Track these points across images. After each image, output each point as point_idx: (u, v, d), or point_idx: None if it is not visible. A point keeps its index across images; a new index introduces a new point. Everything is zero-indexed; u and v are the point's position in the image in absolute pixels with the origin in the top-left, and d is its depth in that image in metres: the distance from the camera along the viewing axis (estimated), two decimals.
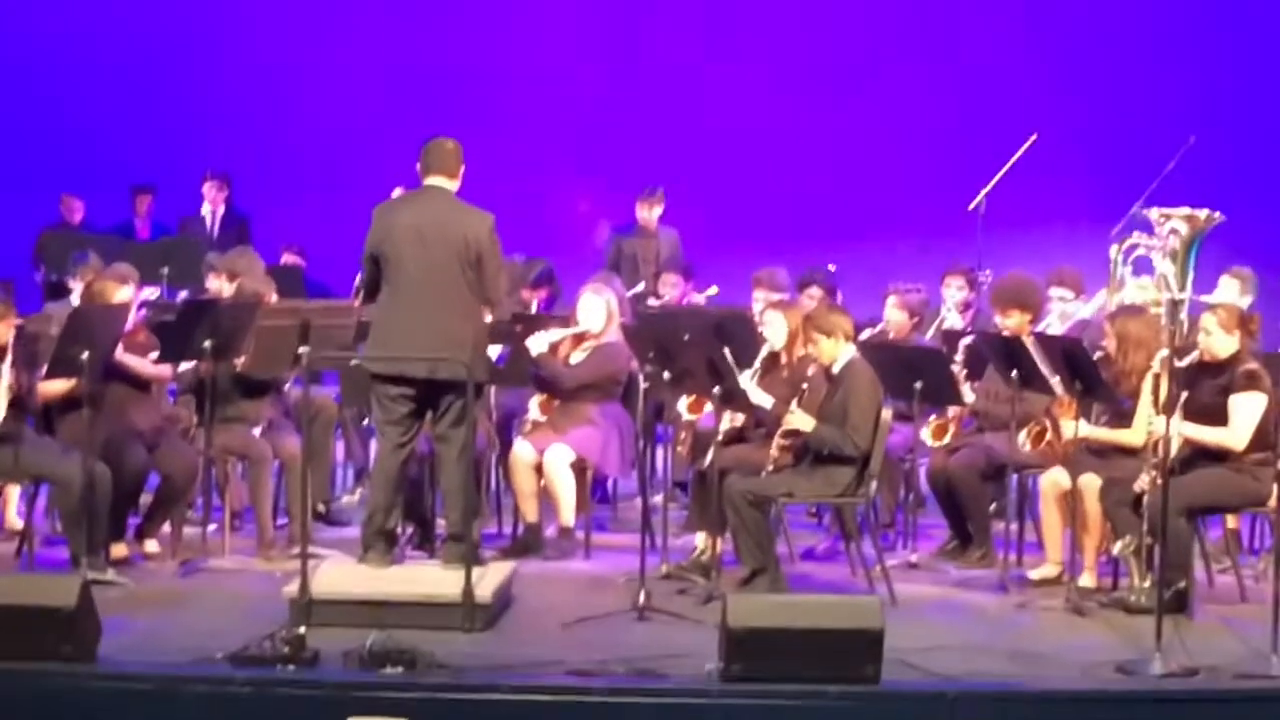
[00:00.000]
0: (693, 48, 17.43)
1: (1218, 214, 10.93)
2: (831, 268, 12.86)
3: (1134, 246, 10.90)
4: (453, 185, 9.32)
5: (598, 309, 10.86)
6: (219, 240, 15.39)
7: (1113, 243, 10.83)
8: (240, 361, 10.31)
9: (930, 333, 11.76)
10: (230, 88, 17.27)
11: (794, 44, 17.30)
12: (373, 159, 14.74)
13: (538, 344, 10.67)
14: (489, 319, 9.58)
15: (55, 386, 9.64)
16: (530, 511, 10.63)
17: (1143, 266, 11.01)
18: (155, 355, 10.14)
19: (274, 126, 17.19)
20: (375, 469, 9.64)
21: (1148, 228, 10.21)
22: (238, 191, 16.28)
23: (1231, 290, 11.21)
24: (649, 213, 14.77)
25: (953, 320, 11.94)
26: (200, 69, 17.40)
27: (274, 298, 11.00)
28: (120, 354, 9.88)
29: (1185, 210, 10.94)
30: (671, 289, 13.39)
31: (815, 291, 12.21)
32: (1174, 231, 10.69)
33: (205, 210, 16.10)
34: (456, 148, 9.37)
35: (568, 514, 10.56)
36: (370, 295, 9.39)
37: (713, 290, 13.10)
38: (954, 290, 12.21)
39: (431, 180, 9.31)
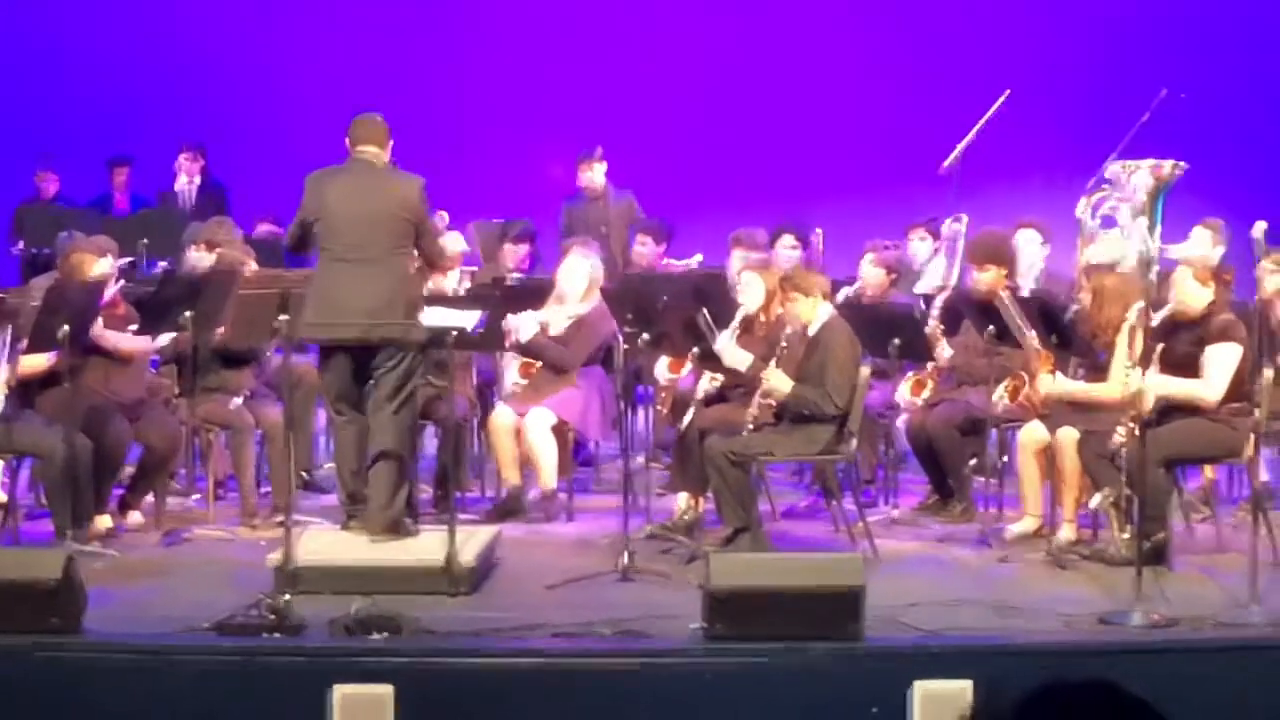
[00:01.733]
0: (666, 6, 17.42)
1: (1182, 164, 10.97)
2: (819, 231, 12.90)
3: (1101, 200, 10.96)
4: (382, 156, 9.36)
5: (581, 271, 10.88)
6: (195, 212, 15.35)
7: (1082, 197, 10.91)
8: (220, 332, 10.33)
9: (920, 288, 11.83)
10: (207, 59, 17.21)
11: (767, 2, 17.30)
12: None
13: (527, 328, 10.69)
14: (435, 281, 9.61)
15: (36, 363, 9.65)
16: (512, 476, 10.66)
17: (1111, 221, 11.07)
18: (135, 328, 10.14)
19: (251, 97, 17.15)
20: (334, 443, 9.69)
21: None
22: (217, 163, 16.24)
23: (1204, 242, 11.25)
24: (591, 173, 14.57)
25: (929, 279, 12.01)
26: (177, 40, 17.35)
27: (253, 267, 11.00)
28: (100, 330, 9.88)
29: (1149, 162, 10.98)
30: (642, 248, 13.32)
31: (788, 240, 12.24)
32: (1139, 185, 10.74)
33: (181, 182, 16.05)
34: (384, 122, 9.43)
35: (549, 477, 10.59)
36: (294, 249, 9.66)
37: (697, 258, 13.07)
38: (917, 242, 12.35)
39: (362, 149, 9.33)
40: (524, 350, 10.79)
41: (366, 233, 9.11)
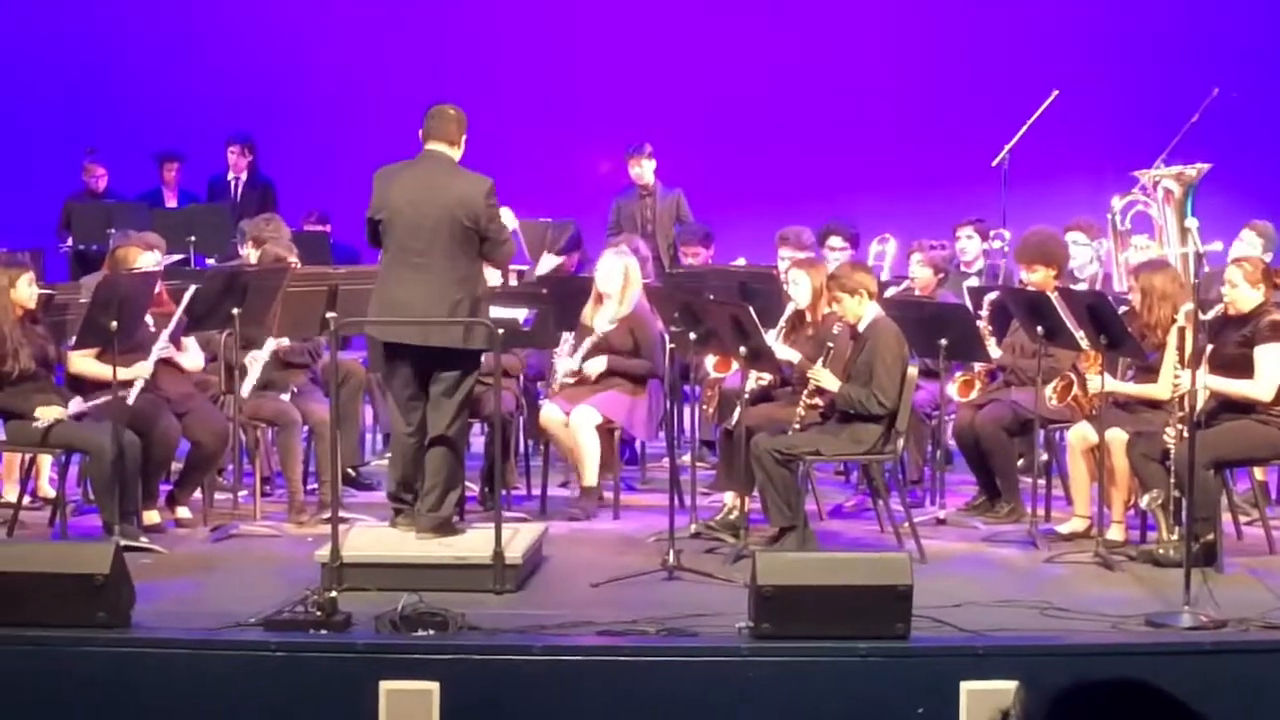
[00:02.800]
0: (715, 5, 17.42)
1: (1205, 165, 11.02)
2: (891, 239, 12.94)
3: (1132, 203, 11.01)
4: (453, 152, 9.10)
5: (616, 271, 10.88)
6: (241, 205, 15.39)
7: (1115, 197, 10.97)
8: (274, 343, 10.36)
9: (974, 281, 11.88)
10: (255, 53, 17.29)
11: (816, 1, 17.30)
12: (400, 122, 14.73)
13: (595, 365, 10.68)
14: (497, 282, 9.43)
15: (93, 367, 9.68)
16: (588, 475, 10.60)
17: (1141, 223, 11.13)
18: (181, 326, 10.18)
19: (298, 93, 17.22)
20: (391, 444, 9.65)
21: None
22: (266, 156, 16.27)
23: (1253, 244, 11.18)
24: (640, 169, 14.59)
25: (975, 278, 12.06)
26: (226, 35, 17.42)
27: (295, 261, 10.99)
28: (165, 349, 9.89)
29: (1175, 169, 11.03)
30: (694, 260, 13.30)
31: (836, 241, 12.24)
32: (1168, 192, 10.79)
33: (230, 176, 16.09)
34: (458, 114, 9.15)
35: (591, 474, 10.58)
36: (375, 245, 9.28)
37: (739, 262, 13.04)
38: (965, 240, 12.41)
39: (431, 146, 9.13)
40: (606, 375, 10.72)
41: (425, 235, 8.92)
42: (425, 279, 8.94)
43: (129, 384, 9.67)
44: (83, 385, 9.87)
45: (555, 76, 17.18)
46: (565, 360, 10.78)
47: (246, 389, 10.17)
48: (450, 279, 8.94)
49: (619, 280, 10.85)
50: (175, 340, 9.97)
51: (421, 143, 9.20)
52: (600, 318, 10.89)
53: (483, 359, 9.18)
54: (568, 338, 10.93)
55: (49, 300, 10.18)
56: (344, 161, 15.69)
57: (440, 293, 8.92)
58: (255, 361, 10.29)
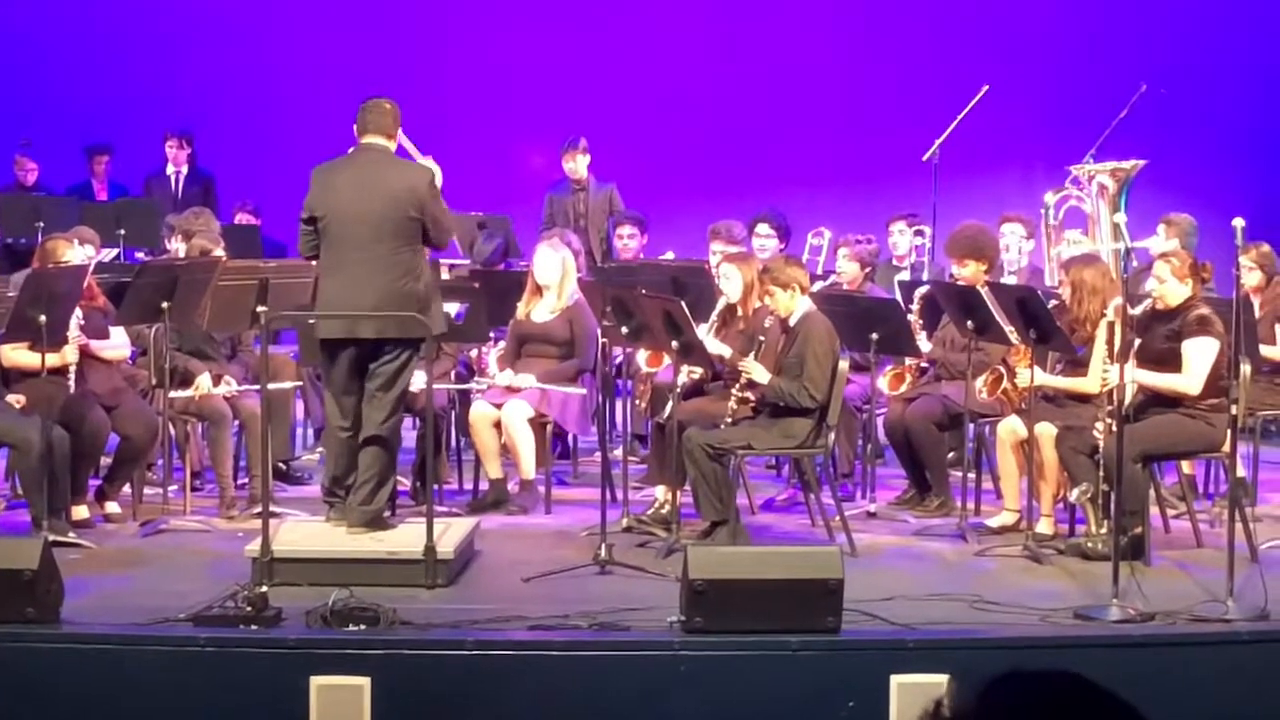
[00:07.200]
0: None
1: (1141, 161, 11.09)
2: (825, 232, 12.96)
3: (1065, 198, 11.08)
4: (390, 145, 9.12)
5: (553, 263, 10.88)
6: (183, 200, 15.26)
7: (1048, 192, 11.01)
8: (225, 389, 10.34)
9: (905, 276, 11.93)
10: (189, 46, 17.20)
11: None
12: (337, 117, 14.66)
13: (526, 381, 10.66)
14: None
15: (25, 358, 9.62)
16: (494, 469, 10.64)
17: (1073, 217, 11.19)
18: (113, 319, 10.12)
19: (233, 85, 17.13)
20: (325, 438, 9.61)
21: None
22: (204, 150, 16.16)
23: (1165, 240, 11.14)
24: (574, 163, 14.55)
25: (906, 273, 12.10)
26: (160, 27, 17.31)
27: (221, 254, 10.93)
28: (84, 340, 9.83)
29: (1110, 165, 11.09)
30: (630, 240, 13.24)
31: (764, 229, 12.25)
32: (1102, 187, 10.85)
33: (170, 170, 15.97)
34: (394, 108, 9.14)
35: (528, 467, 10.57)
36: (311, 256, 9.26)
37: (668, 256, 13.02)
38: (897, 235, 12.48)
39: (369, 140, 9.10)
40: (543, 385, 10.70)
41: (369, 230, 8.88)
42: (371, 273, 8.92)
43: (64, 378, 9.63)
44: (10, 378, 9.81)
45: (489, 70, 17.14)
46: (502, 376, 10.76)
47: (180, 394, 10.12)
48: (398, 271, 8.93)
49: (557, 273, 10.86)
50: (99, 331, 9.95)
51: (356, 136, 9.17)
52: (540, 309, 10.88)
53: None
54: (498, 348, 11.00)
55: None
56: (276, 157, 15.64)
57: (389, 285, 8.90)
58: (199, 389, 10.25)
